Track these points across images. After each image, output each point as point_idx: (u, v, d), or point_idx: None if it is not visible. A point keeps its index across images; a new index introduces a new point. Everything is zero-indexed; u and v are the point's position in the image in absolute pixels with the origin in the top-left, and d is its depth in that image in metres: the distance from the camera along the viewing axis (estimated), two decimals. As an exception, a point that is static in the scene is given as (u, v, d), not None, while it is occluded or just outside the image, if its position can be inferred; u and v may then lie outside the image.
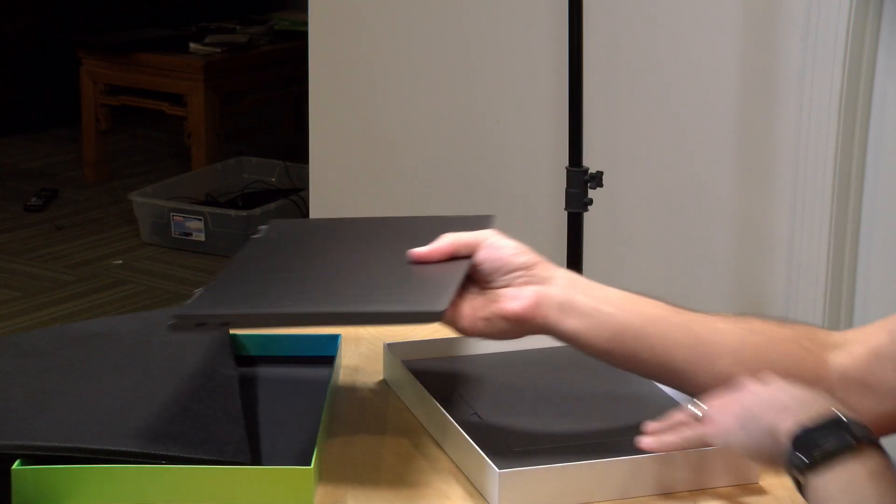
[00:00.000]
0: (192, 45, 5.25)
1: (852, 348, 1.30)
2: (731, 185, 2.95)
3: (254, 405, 1.41)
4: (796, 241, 2.85)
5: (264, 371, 1.52)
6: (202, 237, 4.60)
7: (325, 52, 3.44)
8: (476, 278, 1.32)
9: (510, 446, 1.31)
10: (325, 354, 1.54)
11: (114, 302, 4.17)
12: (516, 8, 3.14)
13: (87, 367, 1.44)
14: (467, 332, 1.31)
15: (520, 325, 1.30)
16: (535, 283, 1.30)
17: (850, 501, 1.06)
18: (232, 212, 4.61)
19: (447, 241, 1.33)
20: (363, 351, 1.62)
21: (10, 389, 1.39)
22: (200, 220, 4.59)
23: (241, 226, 4.57)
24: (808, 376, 1.27)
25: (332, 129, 3.48)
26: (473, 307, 1.30)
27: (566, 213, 2.66)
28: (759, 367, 1.26)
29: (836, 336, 1.33)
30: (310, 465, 1.25)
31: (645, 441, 1.25)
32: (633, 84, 3.02)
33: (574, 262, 2.62)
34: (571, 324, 1.29)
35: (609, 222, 3.00)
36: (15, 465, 1.23)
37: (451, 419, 1.33)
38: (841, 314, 2.87)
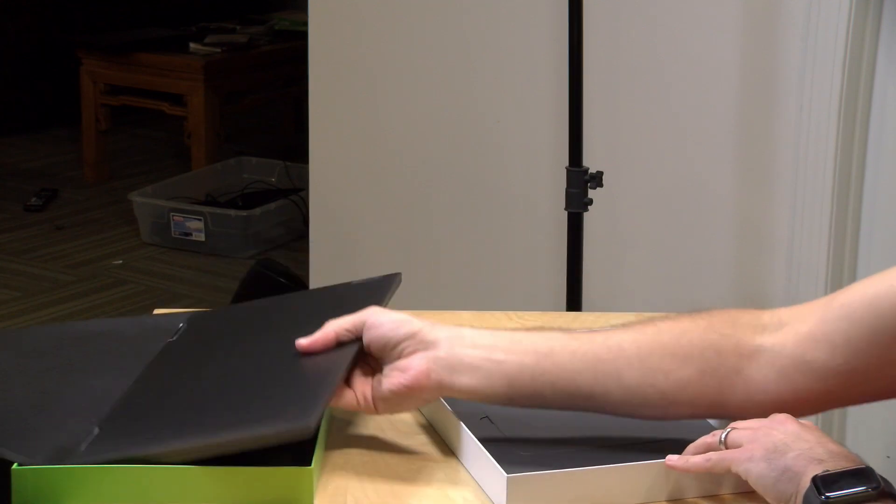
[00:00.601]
0: (192, 45, 5.24)
1: (787, 330, 1.29)
2: (731, 185, 2.94)
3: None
4: (796, 241, 2.85)
5: (264, 371, 1.52)
6: (202, 237, 4.60)
7: (325, 52, 3.44)
8: (370, 359, 1.33)
9: (519, 450, 1.31)
10: (325, 354, 1.54)
11: (114, 302, 4.17)
12: (516, 8, 3.14)
13: (88, 367, 1.44)
14: (376, 413, 1.32)
15: (417, 395, 1.30)
16: (422, 350, 1.29)
17: None
18: (232, 212, 4.61)
19: (330, 329, 1.33)
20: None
21: (10, 389, 1.39)
22: (200, 220, 4.59)
23: (241, 226, 4.57)
24: (727, 361, 1.26)
25: (332, 129, 3.47)
26: (368, 392, 1.31)
27: (566, 213, 2.66)
28: (670, 368, 1.26)
29: (767, 316, 1.31)
30: (310, 465, 1.25)
31: (671, 459, 1.24)
32: (633, 84, 3.02)
33: (574, 262, 2.62)
34: (465, 381, 1.29)
35: (609, 222, 3.00)
36: (15, 465, 1.23)
37: (461, 422, 1.33)
38: (841, 314, 2.87)
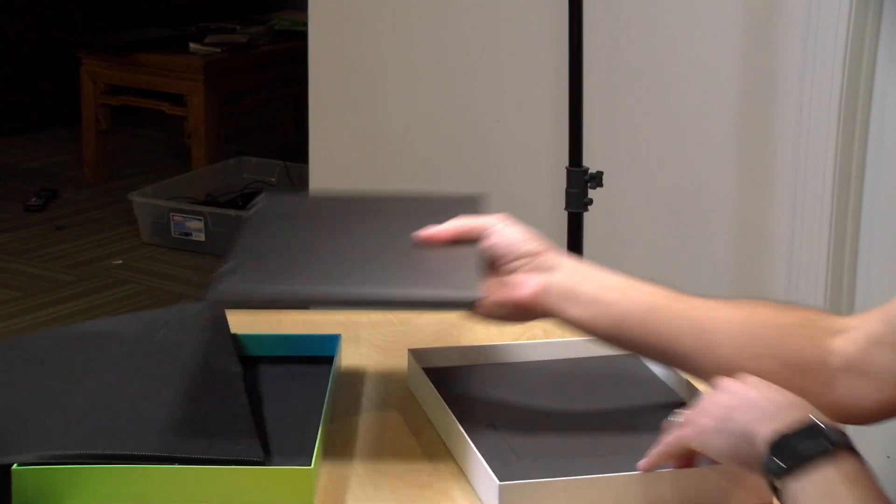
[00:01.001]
0: (192, 45, 5.25)
1: (852, 335, 1.30)
2: (731, 185, 2.95)
3: (254, 405, 1.41)
4: (796, 241, 2.85)
5: (264, 371, 1.52)
6: (202, 237, 4.60)
7: (325, 52, 3.44)
8: (483, 263, 1.34)
9: (518, 457, 1.31)
10: (325, 354, 1.54)
11: (114, 302, 4.17)
12: (516, 8, 3.14)
13: (90, 367, 1.45)
14: (477, 314, 1.34)
15: (524, 312, 1.34)
16: (541, 272, 1.33)
17: None
18: (232, 212, 4.62)
19: (456, 225, 1.36)
20: (363, 351, 1.62)
21: (16, 393, 1.39)
22: (200, 220, 4.59)
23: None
24: (810, 364, 1.28)
25: (332, 129, 3.47)
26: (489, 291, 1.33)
27: (566, 213, 2.66)
28: (759, 353, 1.28)
29: (840, 322, 1.34)
30: (310, 465, 1.25)
31: (640, 464, 1.24)
32: (633, 84, 3.02)
33: (574, 262, 2.62)
34: (574, 312, 1.32)
35: (609, 222, 3.00)
36: (15, 466, 1.23)
37: (461, 428, 1.33)
38: (841, 314, 2.87)
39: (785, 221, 2.87)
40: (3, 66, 5.82)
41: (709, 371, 1.29)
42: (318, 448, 1.30)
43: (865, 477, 1.09)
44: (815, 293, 2.84)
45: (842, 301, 2.87)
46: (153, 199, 4.69)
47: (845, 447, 1.10)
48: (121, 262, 4.51)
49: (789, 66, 2.81)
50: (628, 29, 2.99)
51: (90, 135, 5.34)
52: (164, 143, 5.91)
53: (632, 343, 1.33)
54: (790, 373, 1.27)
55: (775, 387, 1.19)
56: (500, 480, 1.22)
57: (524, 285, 1.33)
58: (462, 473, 1.33)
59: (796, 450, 1.10)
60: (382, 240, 1.39)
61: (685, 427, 1.21)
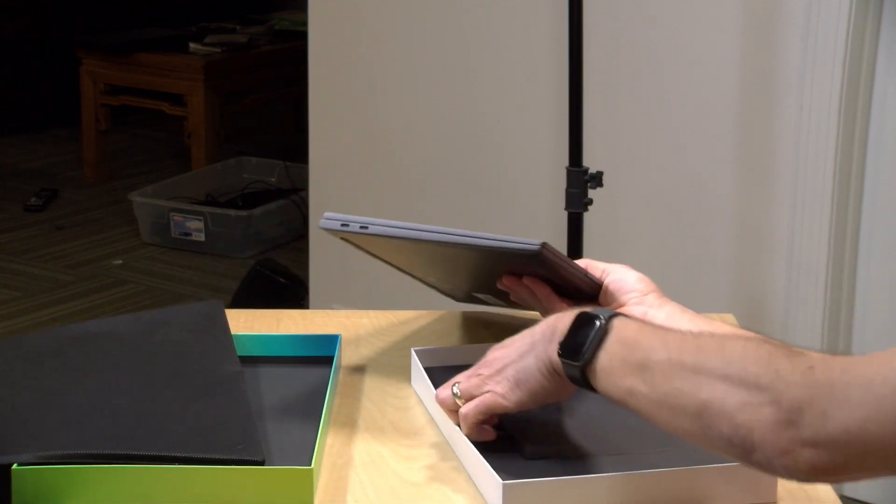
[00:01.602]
0: (192, 45, 5.25)
1: None
2: (731, 185, 2.95)
3: (254, 405, 1.41)
4: (796, 241, 2.85)
5: (264, 371, 1.52)
6: (202, 237, 4.60)
7: (325, 52, 3.44)
8: (601, 301, 1.48)
9: (524, 457, 1.31)
10: (325, 354, 1.54)
11: (114, 302, 4.17)
12: (516, 8, 3.14)
13: (91, 367, 1.45)
14: None
15: None
16: (646, 306, 1.45)
17: (632, 360, 1.14)
18: (232, 212, 4.61)
19: (583, 263, 1.50)
20: (363, 351, 1.62)
21: (16, 393, 1.39)
22: (200, 220, 4.59)
23: (241, 226, 4.57)
24: None
25: (332, 129, 3.48)
26: None
27: (566, 213, 2.66)
28: None
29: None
30: (310, 465, 1.25)
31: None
32: (633, 84, 3.02)
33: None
34: None
35: (609, 222, 3.00)
36: (15, 465, 1.23)
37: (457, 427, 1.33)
38: (841, 314, 2.88)
39: (785, 221, 2.87)
40: (3, 66, 5.82)
41: None
42: (318, 448, 1.30)
43: (644, 325, 1.18)
44: (815, 293, 2.84)
45: (842, 301, 2.87)
46: (153, 199, 4.69)
47: (615, 315, 1.18)
48: (121, 262, 4.51)
49: (789, 66, 2.81)
50: (628, 29, 2.99)
51: (90, 135, 5.34)
52: (164, 143, 5.91)
53: None
54: None
55: (519, 333, 1.29)
56: (504, 480, 1.22)
57: (630, 313, 1.42)
58: (462, 473, 1.33)
59: (578, 342, 1.18)
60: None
61: (486, 398, 1.28)
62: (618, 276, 1.49)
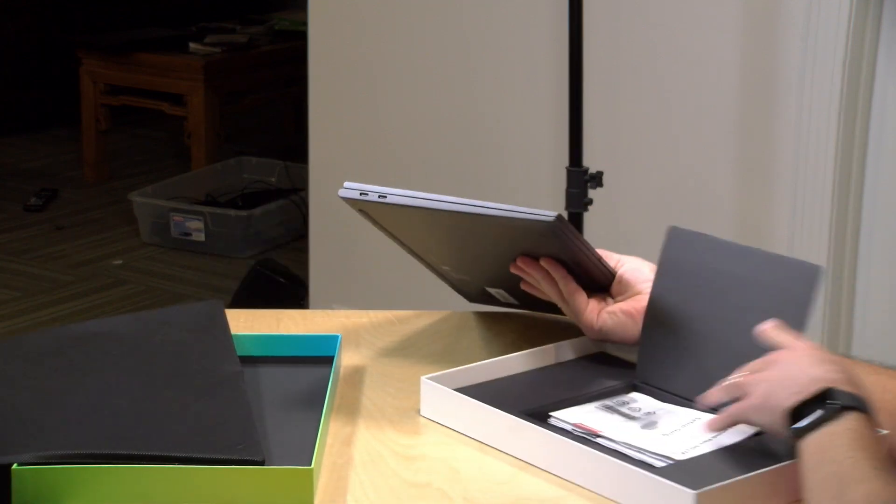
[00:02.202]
0: (192, 45, 5.25)
1: None
2: (731, 185, 2.95)
3: (254, 405, 1.41)
4: (796, 241, 2.85)
5: (264, 371, 1.52)
6: (202, 237, 4.60)
7: (325, 52, 3.44)
8: (613, 290, 1.54)
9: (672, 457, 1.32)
10: (325, 354, 1.54)
11: (114, 302, 4.17)
12: (516, 8, 3.14)
13: (90, 367, 1.45)
14: (590, 324, 1.51)
15: (633, 325, 1.50)
16: None
17: (825, 457, 1.18)
18: (232, 212, 4.61)
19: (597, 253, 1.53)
20: (363, 351, 1.62)
21: (16, 393, 1.39)
22: (200, 220, 4.59)
23: (241, 226, 4.57)
24: None
25: (332, 129, 3.48)
26: (600, 305, 1.52)
27: (566, 213, 2.66)
28: None
29: None
30: (310, 465, 1.25)
31: (705, 427, 1.33)
32: (633, 84, 3.02)
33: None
34: None
35: (609, 222, 3.00)
36: (15, 465, 1.23)
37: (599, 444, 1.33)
38: (841, 314, 2.87)
39: (785, 221, 2.87)
40: (3, 66, 5.82)
41: None
42: (318, 448, 1.30)
43: (868, 432, 1.19)
44: (815, 293, 2.84)
45: (842, 301, 2.87)
46: (153, 199, 4.69)
47: (856, 409, 1.20)
48: (121, 262, 4.51)
49: (789, 66, 2.81)
50: (628, 29, 2.99)
51: (90, 135, 5.34)
52: (164, 143, 5.91)
53: None
54: (883, 417, 1.29)
55: (821, 356, 1.27)
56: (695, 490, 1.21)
57: (641, 301, 1.50)
58: (464, 470, 1.33)
59: (807, 412, 1.21)
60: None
61: (742, 403, 1.29)
62: (633, 266, 1.55)
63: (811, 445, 1.20)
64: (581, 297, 1.51)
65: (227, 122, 5.28)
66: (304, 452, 1.31)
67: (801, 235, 2.84)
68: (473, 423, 1.39)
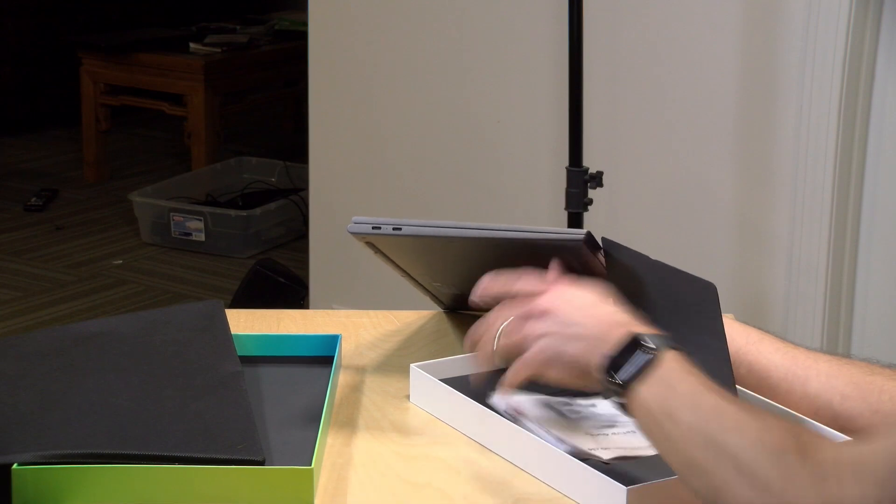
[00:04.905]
0: (192, 45, 5.25)
1: None
2: (731, 185, 2.95)
3: (254, 405, 1.41)
4: (796, 241, 2.85)
5: (264, 371, 1.53)
6: (202, 237, 4.60)
7: (325, 52, 3.44)
8: None
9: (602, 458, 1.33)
10: (325, 354, 1.54)
11: (114, 302, 4.17)
12: (516, 8, 3.14)
13: (91, 367, 1.45)
14: None
15: None
16: None
17: (666, 406, 1.16)
18: (232, 212, 4.61)
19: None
20: (363, 351, 1.62)
21: (16, 393, 1.39)
22: (200, 220, 4.59)
23: (241, 226, 4.57)
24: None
25: (332, 129, 3.48)
26: None
27: (566, 213, 2.66)
28: (849, 395, 1.33)
29: None
30: (310, 465, 1.25)
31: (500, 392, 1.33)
32: (633, 84, 3.02)
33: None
34: None
35: (609, 222, 3.00)
36: (15, 465, 1.23)
37: (543, 432, 1.34)
38: (841, 314, 2.87)
39: (785, 221, 2.87)
40: (3, 66, 5.82)
41: (797, 404, 1.35)
42: (318, 448, 1.30)
43: (691, 368, 1.18)
44: (815, 293, 2.84)
45: (842, 301, 2.87)
46: (153, 199, 4.69)
47: (668, 347, 1.19)
48: (121, 262, 4.51)
49: (789, 66, 2.81)
50: (628, 29, 2.99)
51: (90, 135, 5.34)
52: (164, 143, 5.91)
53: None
54: (878, 419, 1.30)
55: (592, 297, 1.28)
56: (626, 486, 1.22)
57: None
58: (464, 470, 1.33)
59: (623, 366, 1.20)
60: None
61: (522, 360, 1.28)
62: None
63: (647, 396, 1.17)
64: None
65: (227, 122, 5.28)
66: (304, 452, 1.31)
67: (801, 235, 2.84)
68: (447, 408, 1.44)
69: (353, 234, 1.48)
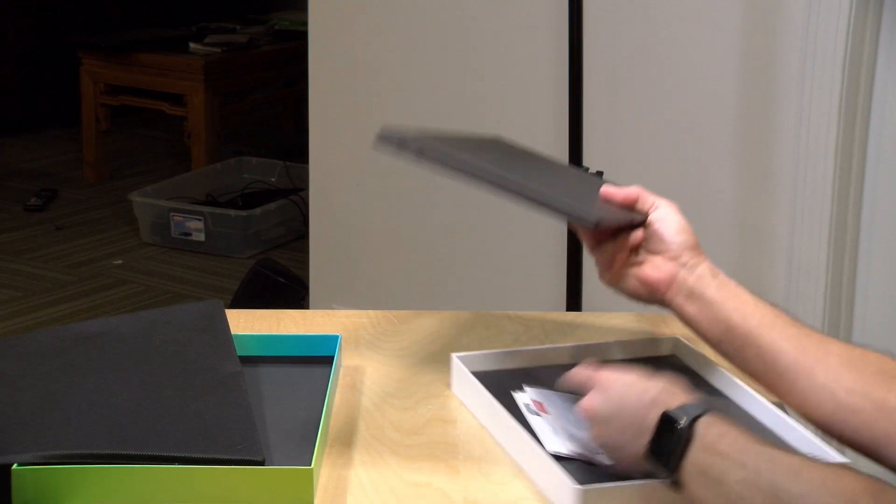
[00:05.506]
0: (192, 45, 5.25)
1: None
2: (731, 185, 2.95)
3: (254, 405, 1.41)
4: (796, 241, 2.85)
5: (264, 371, 1.53)
6: (202, 237, 4.60)
7: (325, 52, 3.44)
8: (645, 237, 1.47)
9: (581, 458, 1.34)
10: (325, 354, 1.54)
11: (114, 302, 4.17)
12: (516, 8, 3.14)
13: (91, 367, 1.45)
14: (607, 277, 1.46)
15: (649, 293, 1.44)
16: (678, 264, 1.45)
17: (713, 476, 1.15)
18: (232, 212, 4.62)
19: (634, 192, 1.50)
20: (363, 351, 1.62)
21: (16, 393, 1.39)
22: (200, 220, 4.59)
23: (241, 226, 4.57)
24: None
25: (332, 129, 3.48)
26: (621, 259, 1.45)
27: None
28: (855, 389, 1.31)
29: None
30: (310, 465, 1.25)
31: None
32: (633, 84, 3.02)
33: (574, 261, 2.62)
34: (690, 310, 1.42)
35: (609, 222, 3.00)
36: (15, 465, 1.23)
37: (523, 429, 1.35)
38: (841, 314, 2.87)
39: (785, 221, 2.87)
40: (3, 66, 5.82)
41: (801, 394, 1.34)
42: (318, 448, 1.30)
43: (728, 430, 1.17)
44: (815, 293, 2.84)
45: (842, 301, 2.87)
46: (153, 199, 4.69)
47: (698, 418, 1.19)
48: (121, 262, 4.51)
49: (789, 66, 2.81)
50: (628, 29, 2.99)
51: (90, 135, 5.34)
52: (164, 143, 5.91)
53: (736, 353, 1.39)
54: (882, 416, 1.29)
55: (631, 383, 1.28)
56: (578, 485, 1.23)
57: (660, 269, 1.43)
58: (464, 470, 1.33)
59: (662, 452, 1.20)
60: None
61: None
62: (660, 220, 1.48)
63: (692, 475, 1.17)
64: (601, 257, 1.47)
65: (227, 122, 5.28)
66: (304, 452, 1.31)
67: (801, 235, 2.84)
68: (471, 399, 1.47)
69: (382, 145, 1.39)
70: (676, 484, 1.19)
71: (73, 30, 5.82)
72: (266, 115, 6.13)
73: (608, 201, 1.48)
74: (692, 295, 1.42)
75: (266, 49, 5.42)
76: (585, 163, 2.64)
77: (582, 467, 1.31)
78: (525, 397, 1.44)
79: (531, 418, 1.40)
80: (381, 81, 3.37)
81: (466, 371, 1.49)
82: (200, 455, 1.26)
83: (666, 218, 1.48)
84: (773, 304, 1.41)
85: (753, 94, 2.88)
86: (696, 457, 1.17)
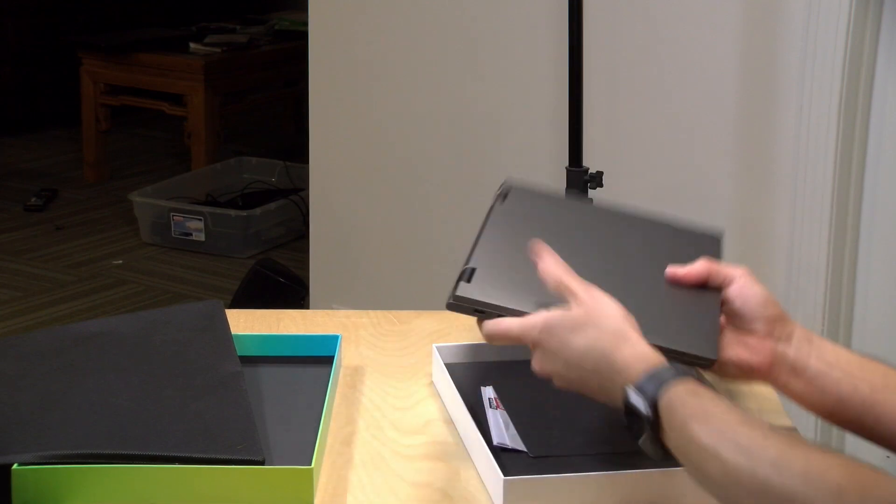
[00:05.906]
0: (192, 45, 5.25)
1: None
2: (731, 185, 2.95)
3: (254, 405, 1.41)
4: (796, 241, 2.85)
5: (264, 371, 1.53)
6: (202, 237, 4.60)
7: (325, 52, 3.44)
8: (724, 312, 1.36)
9: (528, 452, 1.33)
10: (325, 354, 1.54)
11: (114, 302, 4.17)
12: (516, 8, 3.14)
13: (91, 367, 1.45)
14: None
15: (748, 376, 1.34)
16: (774, 340, 1.33)
17: (692, 465, 1.12)
18: (232, 212, 4.61)
19: (702, 269, 1.36)
20: (363, 351, 1.62)
21: (16, 393, 1.39)
22: (200, 220, 4.59)
23: (241, 226, 4.57)
24: None
25: (332, 129, 3.47)
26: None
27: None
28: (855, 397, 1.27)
29: None
30: (310, 465, 1.25)
31: None
32: (633, 84, 3.02)
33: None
34: (797, 387, 1.32)
35: (609, 222, 3.00)
36: (15, 465, 1.23)
37: (472, 421, 1.35)
38: (841, 314, 2.87)
39: (785, 221, 2.87)
40: (3, 66, 5.82)
41: (802, 389, 1.31)
42: (318, 448, 1.30)
43: (692, 414, 1.13)
44: (815, 293, 2.84)
45: (842, 301, 2.87)
46: (153, 199, 4.69)
47: (665, 381, 1.16)
48: (121, 262, 4.51)
49: (789, 66, 2.81)
50: (628, 29, 2.99)
51: (90, 135, 5.34)
52: (164, 143, 5.91)
53: (852, 422, 1.31)
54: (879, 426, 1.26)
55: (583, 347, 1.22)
56: (505, 476, 1.23)
57: (757, 351, 1.33)
58: (464, 470, 1.33)
59: (633, 431, 1.17)
60: (627, 265, 1.40)
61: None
62: (741, 298, 1.35)
63: (673, 449, 1.14)
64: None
65: (227, 122, 5.28)
66: (304, 452, 1.31)
67: (801, 235, 2.84)
68: (443, 389, 1.49)
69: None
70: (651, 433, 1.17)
71: (73, 30, 5.82)
72: (266, 115, 6.13)
73: (678, 282, 1.37)
74: (795, 370, 1.32)
75: (266, 49, 5.42)
76: (585, 163, 2.64)
77: (526, 460, 1.31)
78: (489, 391, 1.45)
79: (489, 412, 1.41)
80: (381, 81, 3.37)
81: (441, 362, 1.49)
82: (200, 455, 1.26)
83: (745, 292, 1.35)
84: (874, 358, 1.33)
85: (753, 94, 2.88)
86: (669, 438, 1.15)
